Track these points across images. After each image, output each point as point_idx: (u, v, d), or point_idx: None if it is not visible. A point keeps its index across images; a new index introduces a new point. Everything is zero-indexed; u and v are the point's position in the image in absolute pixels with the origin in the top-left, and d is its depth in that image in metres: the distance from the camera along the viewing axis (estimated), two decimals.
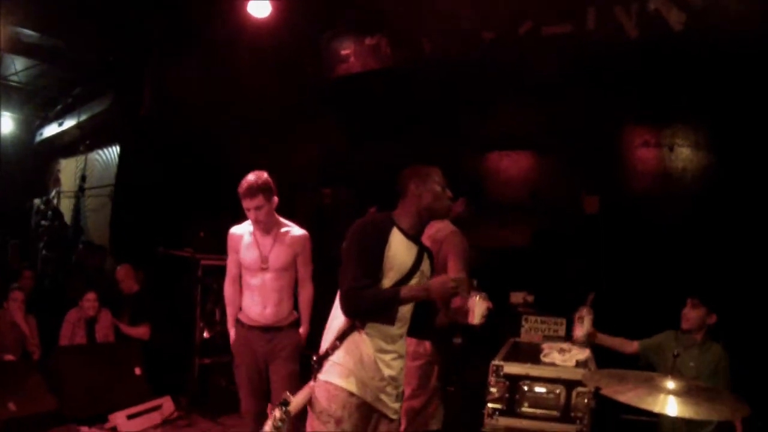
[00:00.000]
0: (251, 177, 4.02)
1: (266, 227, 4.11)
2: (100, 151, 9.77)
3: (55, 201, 10.78)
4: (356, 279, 2.82)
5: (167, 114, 7.60)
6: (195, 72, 7.02)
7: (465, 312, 2.96)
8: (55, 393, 5.53)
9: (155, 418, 5.74)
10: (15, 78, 10.54)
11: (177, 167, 7.73)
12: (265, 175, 4.05)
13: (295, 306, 4.29)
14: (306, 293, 4.32)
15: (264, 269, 4.11)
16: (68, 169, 11.29)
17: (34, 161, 12.54)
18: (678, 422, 3.92)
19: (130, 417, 5.56)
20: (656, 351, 4.29)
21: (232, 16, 6.65)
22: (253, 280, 4.15)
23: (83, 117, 10.21)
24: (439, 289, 2.86)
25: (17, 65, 10.18)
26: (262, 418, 4.03)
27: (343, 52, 6.70)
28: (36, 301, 6.66)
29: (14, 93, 11.20)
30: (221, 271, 4.51)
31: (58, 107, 11.39)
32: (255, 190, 3.96)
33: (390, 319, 2.94)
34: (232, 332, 4.32)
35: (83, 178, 10.15)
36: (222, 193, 7.10)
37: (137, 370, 6.07)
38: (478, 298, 2.94)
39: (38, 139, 12.61)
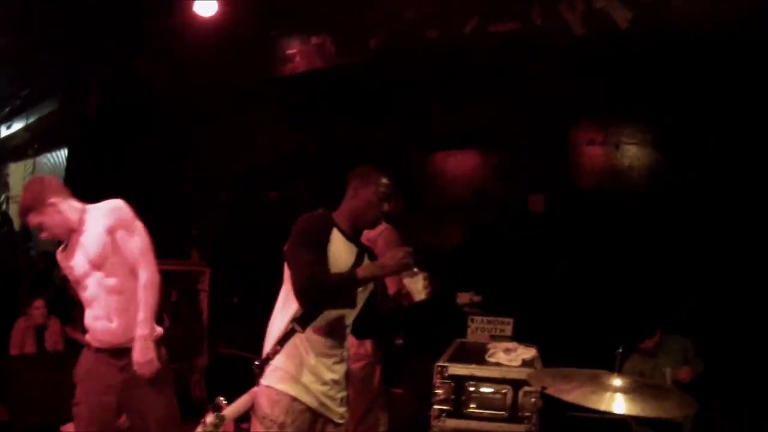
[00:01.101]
0: (21, 199, 3.32)
1: (68, 231, 3.34)
2: (49, 155, 9.58)
3: (3, 206, 10.53)
4: (312, 264, 2.72)
5: (115, 115, 7.47)
6: (142, 72, 6.92)
7: (406, 294, 2.91)
8: (5, 403, 5.44)
9: None
10: None
11: (125, 169, 7.59)
12: (34, 184, 3.38)
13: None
14: (142, 277, 3.33)
15: (91, 269, 3.30)
16: (17, 173, 11.09)
17: None
18: None
19: None
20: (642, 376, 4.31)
21: (178, 15, 6.55)
22: (87, 292, 3.34)
23: (32, 119, 9.99)
24: (392, 263, 2.79)
25: None
26: None
27: (289, 52, 6.65)
28: None
29: None
30: (166, 275, 3.95)
31: (7, 109, 11.13)
32: (30, 211, 3.25)
33: (351, 302, 2.87)
34: None
35: None
36: (169, 195, 7.03)
37: None
38: (410, 276, 2.86)
39: None
